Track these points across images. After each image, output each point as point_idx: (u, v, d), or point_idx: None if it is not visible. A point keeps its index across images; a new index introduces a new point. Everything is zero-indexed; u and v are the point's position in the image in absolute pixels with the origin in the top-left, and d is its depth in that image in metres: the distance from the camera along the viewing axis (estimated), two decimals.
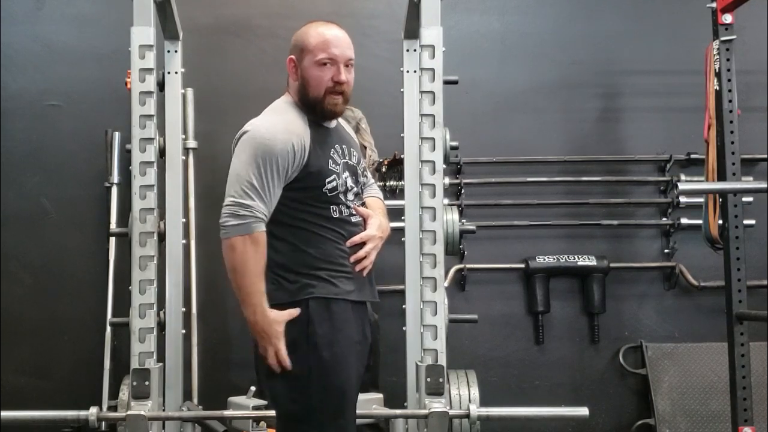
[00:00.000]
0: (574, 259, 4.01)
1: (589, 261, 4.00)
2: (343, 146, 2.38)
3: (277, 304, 2.20)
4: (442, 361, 2.73)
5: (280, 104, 2.37)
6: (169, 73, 3.33)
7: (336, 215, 2.28)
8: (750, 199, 3.75)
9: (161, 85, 3.26)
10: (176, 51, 3.36)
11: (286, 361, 2.17)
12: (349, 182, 2.34)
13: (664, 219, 4.10)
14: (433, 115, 2.77)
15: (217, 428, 3.15)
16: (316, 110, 2.32)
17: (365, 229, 2.34)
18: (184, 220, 3.39)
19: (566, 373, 4.07)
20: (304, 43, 2.32)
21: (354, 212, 2.34)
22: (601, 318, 4.05)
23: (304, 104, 2.33)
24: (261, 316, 2.16)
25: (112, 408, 3.52)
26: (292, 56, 2.34)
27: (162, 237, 3.15)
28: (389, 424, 3.25)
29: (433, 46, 2.79)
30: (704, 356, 3.96)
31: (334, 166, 2.30)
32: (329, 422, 2.19)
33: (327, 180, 2.27)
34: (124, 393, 3.47)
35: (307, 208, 2.24)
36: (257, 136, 2.22)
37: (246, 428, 3.04)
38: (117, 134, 3.88)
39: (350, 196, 2.34)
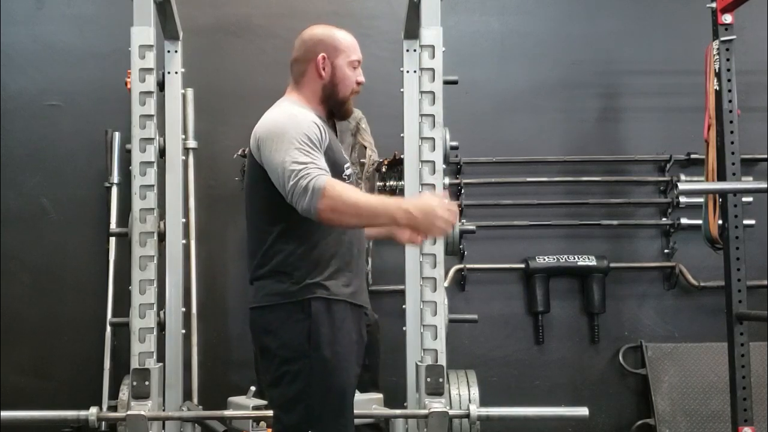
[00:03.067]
0: (574, 259, 4.01)
1: (589, 261, 4.00)
2: (342, 147, 2.44)
3: (278, 303, 2.20)
4: (442, 361, 2.73)
5: (286, 102, 2.36)
6: (169, 73, 3.34)
7: None
8: (750, 199, 3.75)
9: (161, 85, 3.26)
10: (176, 51, 3.37)
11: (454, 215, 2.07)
12: (354, 177, 2.37)
13: (664, 219, 4.10)
14: (433, 115, 2.78)
15: (217, 428, 3.15)
16: (340, 110, 2.38)
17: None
18: (184, 220, 3.40)
19: (566, 373, 4.07)
20: (336, 42, 2.36)
21: None
22: (601, 318, 4.05)
23: (326, 103, 2.36)
24: (406, 204, 2.07)
25: (112, 408, 3.52)
26: (324, 54, 2.34)
27: (162, 237, 3.15)
28: (389, 424, 3.24)
29: (433, 46, 2.79)
30: (704, 356, 3.96)
31: (346, 156, 2.39)
32: (330, 422, 2.19)
33: (345, 166, 2.32)
34: (124, 393, 3.47)
35: None
36: (279, 124, 2.22)
37: (246, 428, 3.04)
38: (117, 134, 3.88)
39: None
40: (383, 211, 2.08)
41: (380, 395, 3.17)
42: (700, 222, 3.49)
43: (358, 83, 2.39)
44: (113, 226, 3.78)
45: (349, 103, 2.40)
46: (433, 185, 2.76)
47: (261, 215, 2.26)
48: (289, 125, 2.20)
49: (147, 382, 2.74)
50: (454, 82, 3.12)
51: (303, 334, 2.18)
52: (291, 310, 2.20)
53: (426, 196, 2.16)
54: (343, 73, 2.35)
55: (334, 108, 2.37)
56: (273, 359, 2.22)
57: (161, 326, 3.19)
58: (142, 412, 2.67)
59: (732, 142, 3.25)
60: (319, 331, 2.18)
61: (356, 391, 2.36)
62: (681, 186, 3.56)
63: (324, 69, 2.34)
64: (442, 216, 2.04)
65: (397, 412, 3.01)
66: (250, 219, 2.33)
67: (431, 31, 2.80)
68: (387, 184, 3.89)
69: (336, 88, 2.35)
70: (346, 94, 2.36)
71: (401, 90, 3.24)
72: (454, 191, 4.05)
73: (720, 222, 3.31)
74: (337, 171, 2.27)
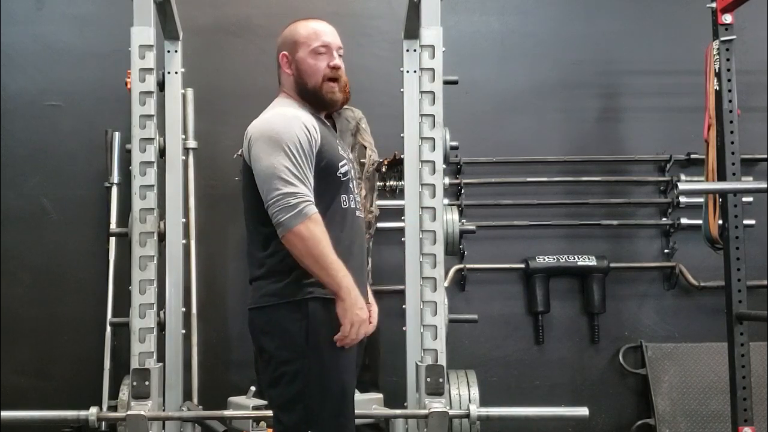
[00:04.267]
0: (574, 259, 4.01)
1: (589, 261, 4.00)
2: (340, 141, 2.43)
3: (276, 304, 2.20)
4: (442, 361, 2.73)
5: (279, 101, 2.38)
6: (169, 73, 3.34)
7: (346, 205, 2.29)
8: (750, 199, 3.75)
9: (161, 85, 3.26)
10: (176, 51, 3.37)
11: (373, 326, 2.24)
12: (353, 173, 2.38)
13: (664, 219, 4.10)
14: (433, 115, 2.78)
15: (217, 428, 3.15)
16: (317, 99, 2.35)
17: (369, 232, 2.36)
18: (184, 220, 3.39)
19: (566, 373, 4.07)
20: (295, 36, 2.37)
21: (358, 205, 2.35)
22: (601, 318, 4.05)
23: (303, 96, 2.36)
24: (353, 287, 2.15)
25: (112, 408, 3.52)
26: (285, 52, 2.37)
27: (162, 237, 3.15)
28: (389, 424, 3.25)
29: (433, 46, 2.79)
30: (704, 356, 3.96)
31: (342, 152, 2.35)
32: (329, 421, 2.18)
33: (340, 164, 2.30)
34: (124, 393, 3.47)
35: (318, 200, 2.21)
36: (272, 126, 2.22)
37: (246, 428, 3.04)
38: (117, 134, 3.88)
39: (355, 188, 2.36)
40: (335, 278, 2.14)
41: (380, 395, 3.18)
42: (700, 222, 3.49)
43: (331, 67, 2.35)
44: (113, 226, 3.78)
45: (324, 90, 2.34)
46: (433, 185, 2.76)
47: (258, 216, 2.26)
48: (281, 128, 2.20)
49: (147, 382, 2.74)
50: (454, 82, 3.12)
51: (301, 335, 2.17)
52: (289, 311, 2.20)
53: (366, 310, 2.20)
54: (306, 64, 2.34)
55: (313, 100, 2.35)
56: (271, 360, 2.22)
57: (161, 326, 3.19)
58: (142, 412, 2.67)
59: (732, 142, 3.25)
60: (317, 331, 2.17)
61: (356, 390, 2.35)
62: (681, 186, 3.55)
63: (290, 67, 2.36)
64: (360, 328, 2.17)
65: (397, 412, 3.01)
66: (247, 220, 2.33)
67: (431, 31, 2.80)
68: (387, 184, 3.89)
69: (303, 80, 2.34)
70: (316, 82, 2.34)
71: (401, 90, 3.23)
72: (454, 191, 4.05)
73: (720, 222, 3.31)
74: (332, 169, 2.27)
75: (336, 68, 2.35)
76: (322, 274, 2.14)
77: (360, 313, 2.16)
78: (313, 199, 2.16)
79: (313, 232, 2.12)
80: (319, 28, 2.37)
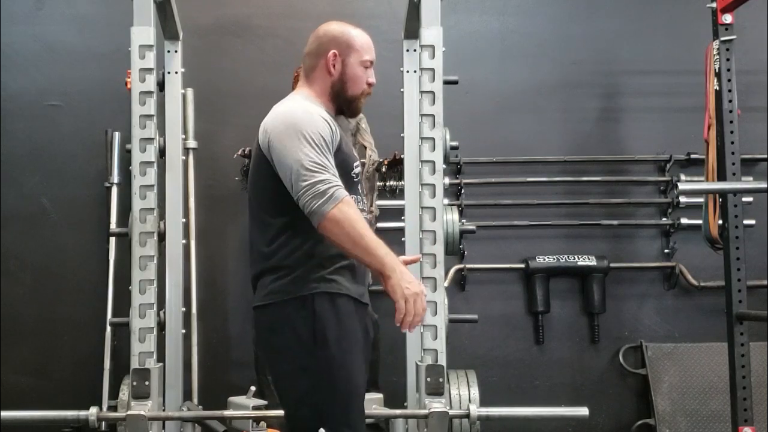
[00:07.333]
0: (574, 259, 4.01)
1: (589, 261, 4.00)
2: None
3: (282, 301, 2.19)
4: (442, 361, 2.73)
5: (298, 97, 2.34)
6: (169, 73, 3.35)
7: None
8: (750, 199, 3.75)
9: (161, 85, 3.27)
10: (176, 51, 3.37)
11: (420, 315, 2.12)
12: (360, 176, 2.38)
13: (664, 219, 4.10)
14: (433, 115, 2.78)
15: (217, 428, 3.15)
16: (350, 107, 2.36)
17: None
18: (184, 220, 3.40)
19: (566, 373, 4.07)
20: (350, 41, 2.34)
21: (364, 206, 2.36)
22: (601, 318, 4.05)
23: (335, 100, 2.34)
24: (397, 263, 2.09)
25: (112, 408, 3.52)
26: (335, 51, 2.32)
27: (162, 237, 3.15)
28: (389, 424, 3.25)
29: (433, 46, 2.80)
30: (704, 356, 3.96)
31: (356, 154, 2.36)
32: (339, 418, 2.17)
33: (354, 164, 2.30)
34: (124, 393, 3.47)
35: None
36: (294, 119, 2.19)
37: (246, 428, 3.05)
38: (117, 134, 3.88)
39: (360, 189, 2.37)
40: (377, 256, 2.09)
41: (380, 395, 3.18)
42: (700, 222, 3.49)
43: (369, 84, 2.36)
44: (113, 226, 3.77)
45: (359, 102, 2.37)
46: (433, 185, 2.77)
47: (266, 209, 2.24)
48: (304, 121, 2.18)
49: (147, 382, 2.75)
50: (454, 82, 3.13)
51: (308, 331, 2.16)
52: (295, 307, 2.18)
53: (417, 282, 2.12)
54: (354, 71, 2.33)
55: (343, 105, 2.36)
56: (279, 358, 2.21)
57: (161, 326, 3.19)
58: (142, 412, 2.68)
59: (732, 142, 3.26)
60: (324, 328, 2.16)
61: None
62: (681, 186, 3.56)
63: (334, 66, 2.32)
64: (416, 302, 2.07)
65: (397, 412, 3.02)
66: (254, 214, 2.31)
67: (431, 31, 2.81)
68: (387, 184, 3.89)
69: (345, 86, 2.33)
70: (355, 92, 2.34)
71: (401, 90, 3.24)
72: (454, 191, 4.05)
73: (720, 222, 3.31)
74: (346, 169, 2.26)
75: (372, 86, 2.37)
76: (364, 255, 2.10)
77: (410, 286, 2.08)
78: (341, 183, 2.13)
79: (347, 214, 2.08)
80: (369, 42, 2.38)
